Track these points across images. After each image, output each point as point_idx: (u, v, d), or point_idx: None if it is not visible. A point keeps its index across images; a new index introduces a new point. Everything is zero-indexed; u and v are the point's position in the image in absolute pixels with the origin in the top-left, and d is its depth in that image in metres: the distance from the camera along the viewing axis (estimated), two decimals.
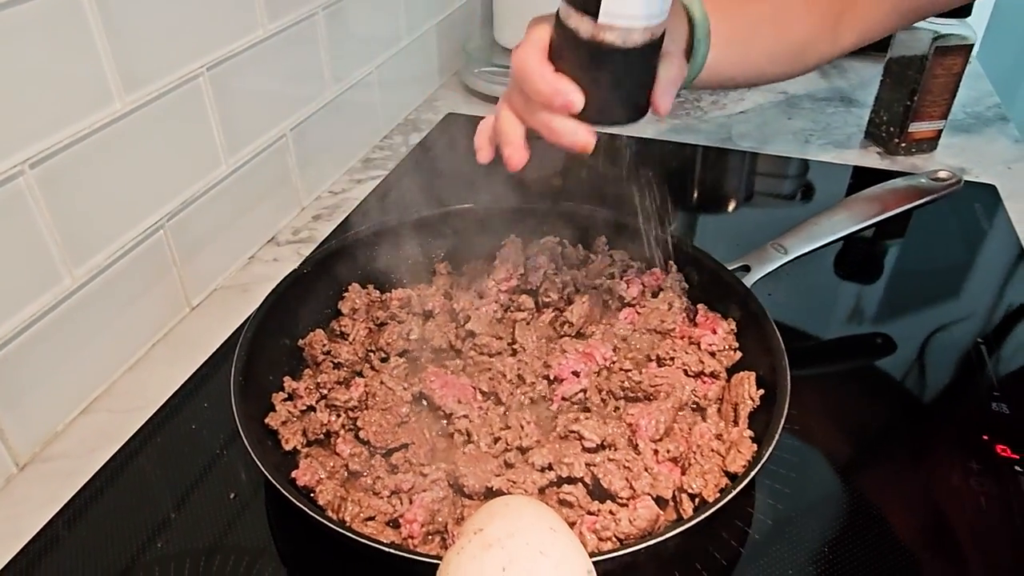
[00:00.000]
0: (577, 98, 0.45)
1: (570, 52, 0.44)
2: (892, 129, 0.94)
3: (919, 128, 0.93)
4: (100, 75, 0.55)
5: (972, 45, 0.87)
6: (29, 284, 0.52)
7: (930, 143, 0.95)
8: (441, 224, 0.69)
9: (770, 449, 0.46)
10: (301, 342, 0.60)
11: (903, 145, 0.94)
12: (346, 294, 0.64)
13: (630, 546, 0.42)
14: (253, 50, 0.70)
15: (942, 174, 0.68)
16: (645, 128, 1.02)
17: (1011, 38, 1.55)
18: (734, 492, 0.44)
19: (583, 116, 0.46)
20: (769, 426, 0.49)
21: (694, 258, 0.65)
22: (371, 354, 0.59)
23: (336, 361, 0.58)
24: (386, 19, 0.94)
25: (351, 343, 0.60)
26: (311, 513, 0.42)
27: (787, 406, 0.49)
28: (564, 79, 0.45)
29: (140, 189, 0.61)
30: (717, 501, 0.44)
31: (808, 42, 0.61)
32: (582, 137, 0.47)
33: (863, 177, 0.90)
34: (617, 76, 0.45)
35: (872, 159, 0.95)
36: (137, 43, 0.57)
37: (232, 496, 0.52)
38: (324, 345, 0.59)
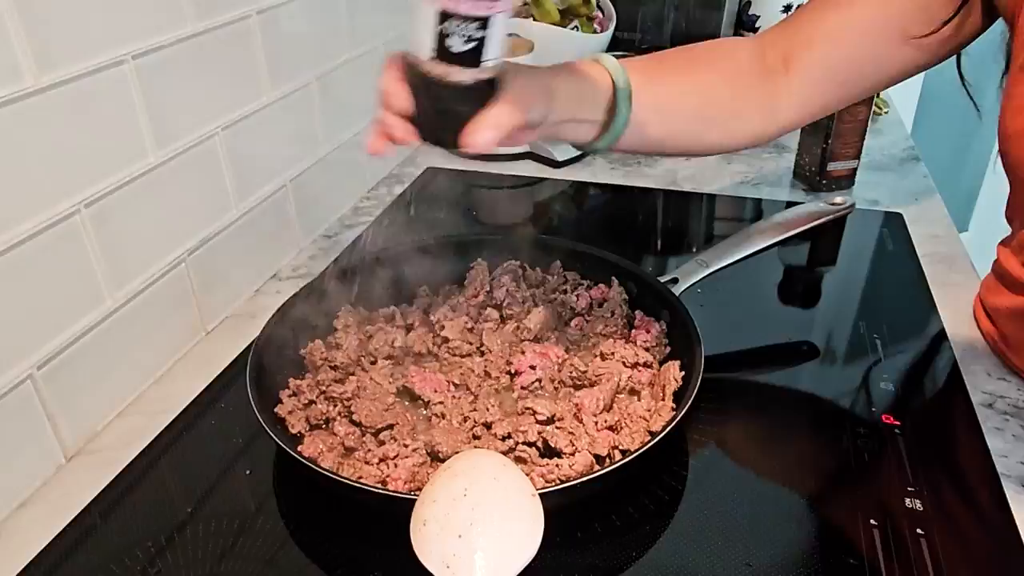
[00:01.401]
0: (394, 99, 0.52)
1: (409, 73, 0.52)
2: (813, 169, 1.08)
3: (836, 167, 1.07)
4: (139, 133, 0.67)
5: (873, 96, 1.02)
6: (79, 304, 0.64)
7: (847, 180, 1.09)
8: (420, 254, 0.82)
9: (684, 409, 0.58)
10: (302, 351, 0.71)
11: (824, 182, 1.08)
12: (340, 314, 0.76)
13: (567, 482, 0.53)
14: (259, 114, 0.84)
15: (837, 199, 0.81)
16: (599, 175, 1.16)
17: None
18: (651, 443, 0.55)
19: (427, 131, 0.53)
20: (685, 393, 0.60)
21: (632, 273, 0.77)
22: (362, 358, 0.71)
23: (333, 364, 0.69)
24: (372, 88, 1.08)
25: (345, 351, 0.71)
26: (319, 469, 0.54)
27: (700, 374, 0.61)
28: (394, 82, 0.52)
29: (167, 228, 0.73)
30: (637, 451, 0.55)
31: (737, 112, 0.66)
32: (399, 131, 0.53)
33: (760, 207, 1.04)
34: (431, 102, 0.51)
35: (799, 195, 1.08)
36: (167, 107, 0.70)
37: (248, 472, 0.63)
38: (322, 353, 0.70)
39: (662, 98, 0.63)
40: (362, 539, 0.56)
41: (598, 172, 1.17)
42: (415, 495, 0.50)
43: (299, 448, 0.60)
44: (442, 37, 0.46)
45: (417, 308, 0.77)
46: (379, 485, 0.54)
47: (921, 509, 0.57)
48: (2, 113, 0.55)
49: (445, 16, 0.45)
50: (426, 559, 0.45)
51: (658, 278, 0.75)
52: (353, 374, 0.69)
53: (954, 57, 0.72)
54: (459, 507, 0.46)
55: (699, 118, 0.66)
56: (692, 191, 1.10)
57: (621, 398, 0.66)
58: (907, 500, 0.58)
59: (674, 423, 0.57)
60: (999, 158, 0.68)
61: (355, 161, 1.07)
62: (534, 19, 1.26)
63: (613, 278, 0.78)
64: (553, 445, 0.58)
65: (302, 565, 0.55)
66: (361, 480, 0.56)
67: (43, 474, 0.63)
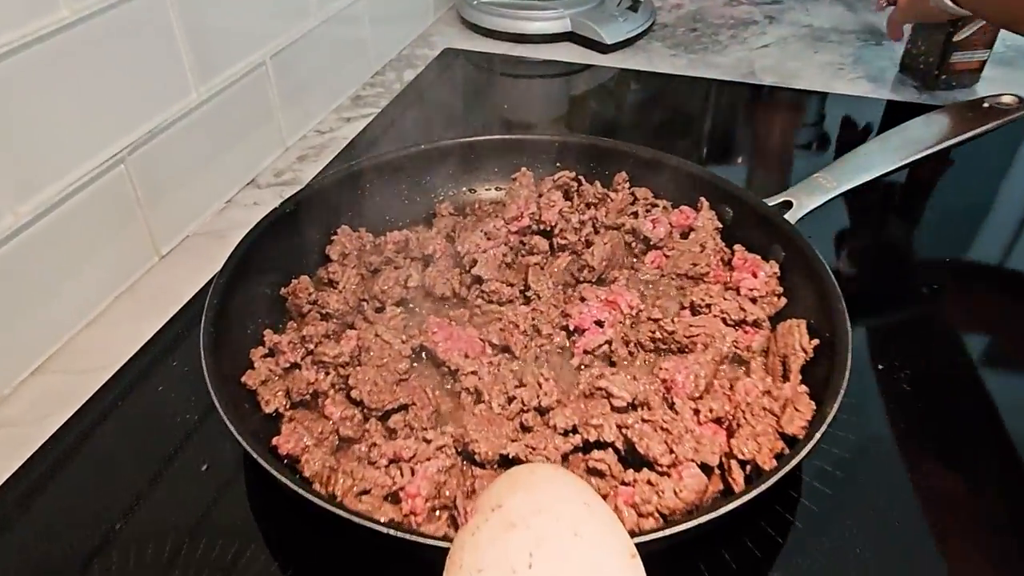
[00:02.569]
0: None
1: None
2: (931, 60, 0.86)
3: (962, 59, 0.85)
4: None
5: None
6: None
7: (972, 75, 0.87)
8: (443, 159, 0.62)
9: (835, 407, 0.39)
10: (284, 291, 0.52)
11: (943, 78, 0.86)
12: (335, 238, 0.56)
13: (676, 522, 0.35)
14: None
15: (1005, 99, 0.60)
16: (656, 62, 0.94)
17: None
18: (797, 459, 0.37)
19: None
20: (830, 381, 0.42)
21: (729, 194, 0.57)
22: (364, 303, 0.52)
23: (324, 312, 0.51)
24: None
25: (341, 291, 0.52)
26: (295, 488, 0.35)
27: (850, 356, 0.42)
28: None
29: (94, 115, 0.52)
30: (776, 470, 0.37)
31: None
32: None
33: (899, 113, 0.82)
34: None
35: (909, 93, 0.86)
36: None
37: (204, 467, 0.45)
38: (310, 293, 0.51)
39: None
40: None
41: (655, 59, 0.95)
42: (443, 542, 0.32)
43: (275, 441, 0.42)
44: None
45: (438, 233, 0.58)
46: (390, 523, 0.36)
47: None
48: None
49: None
50: None
51: (764, 201, 0.56)
52: (352, 326, 0.50)
53: None
54: (507, 549, 0.29)
55: None
56: (777, 85, 0.88)
57: (723, 370, 0.48)
58: None
59: (824, 427, 0.39)
60: None
61: (356, 38, 0.85)
62: None
63: (702, 199, 0.58)
64: (643, 452, 0.40)
65: None
66: (363, 500, 0.38)
67: None
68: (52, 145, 0.50)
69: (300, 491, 0.35)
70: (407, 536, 0.34)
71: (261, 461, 0.37)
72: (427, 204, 0.61)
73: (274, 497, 0.43)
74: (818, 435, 0.38)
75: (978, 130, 0.58)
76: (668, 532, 0.34)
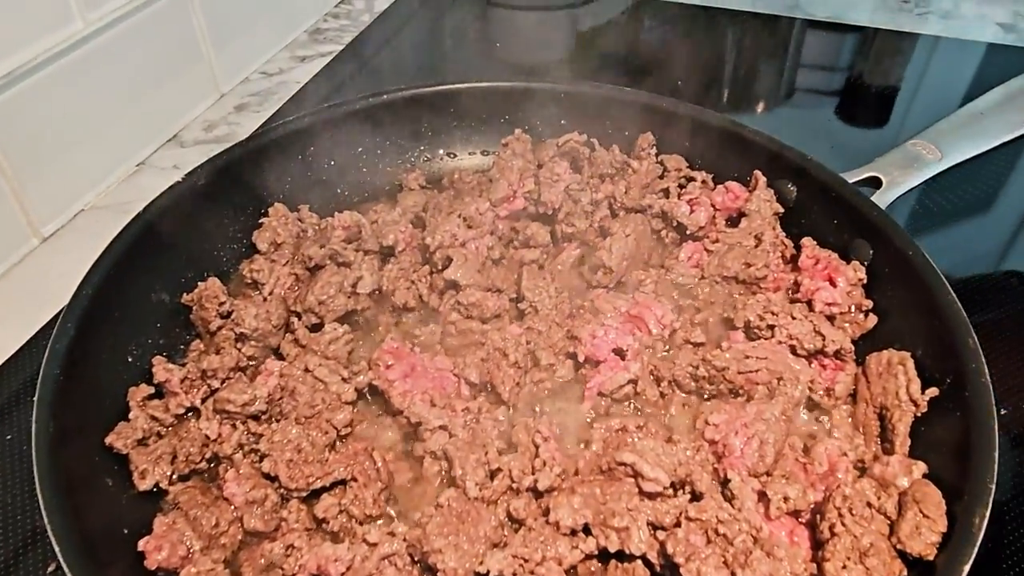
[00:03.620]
0: None
1: None
2: None
3: None
4: None
5: None
6: None
7: None
8: (412, 111, 0.47)
9: (986, 515, 0.26)
10: (187, 298, 0.38)
11: None
12: (265, 220, 0.42)
13: None
14: None
15: None
16: None
17: None
18: None
19: None
20: (970, 462, 0.28)
21: (795, 165, 0.42)
22: (295, 319, 0.38)
23: (239, 331, 0.36)
24: None
25: (266, 299, 0.38)
26: None
27: (996, 421, 0.28)
28: None
29: None
30: None
31: None
32: None
33: (1000, 59, 0.66)
34: None
35: (988, 30, 0.71)
36: None
37: (51, 570, 0.31)
38: (221, 303, 0.37)
39: None
40: None
41: None
42: None
43: (141, 546, 0.28)
44: None
45: (403, 215, 0.43)
46: None
47: None
48: None
49: None
50: None
51: (843, 176, 0.41)
52: (277, 351, 0.36)
53: None
54: None
55: None
56: (830, 20, 0.72)
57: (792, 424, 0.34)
58: None
59: (975, 551, 0.25)
60: None
61: None
62: None
63: (757, 173, 0.43)
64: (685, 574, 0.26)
65: None
66: None
67: None
68: None
69: None
70: None
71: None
72: (391, 173, 0.47)
73: None
74: (967, 566, 0.24)
75: None
76: None
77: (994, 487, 0.26)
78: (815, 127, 0.61)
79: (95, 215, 0.49)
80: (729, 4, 0.75)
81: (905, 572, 0.27)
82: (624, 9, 0.76)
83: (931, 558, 0.26)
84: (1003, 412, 0.38)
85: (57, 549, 0.25)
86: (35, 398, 0.29)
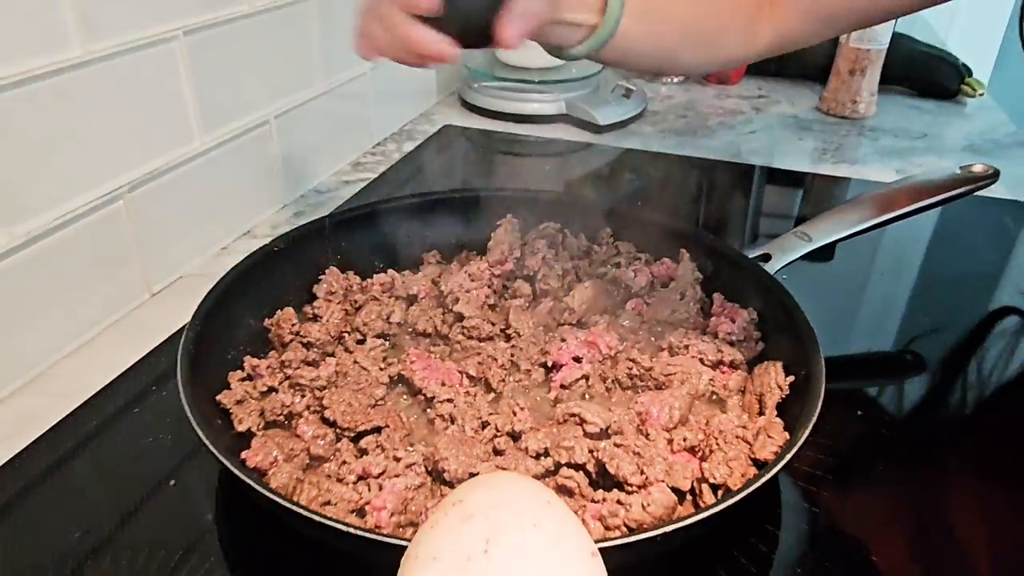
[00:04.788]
0: (426, 2, 0.41)
1: None
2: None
3: None
4: (58, 14, 0.50)
5: None
6: None
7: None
8: (432, 210, 0.64)
9: (806, 433, 0.39)
10: (268, 322, 0.53)
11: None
12: (323, 277, 0.58)
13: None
14: (236, 24, 0.66)
15: (976, 168, 0.63)
16: (650, 143, 0.97)
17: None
18: (766, 477, 0.37)
19: (439, 26, 0.42)
20: (804, 411, 0.41)
21: (709, 247, 0.59)
22: (345, 336, 0.53)
23: (305, 341, 0.51)
24: None
25: (324, 324, 0.53)
26: (254, 485, 0.35)
27: (823, 388, 0.42)
28: None
29: (97, 150, 0.55)
30: (745, 487, 0.36)
31: (721, 30, 0.58)
32: (440, 46, 0.42)
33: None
34: None
35: (888, 175, 0.89)
36: None
37: (172, 483, 0.44)
38: (293, 325, 0.52)
39: (651, 5, 0.54)
40: None
41: (649, 140, 0.99)
42: (405, 541, 0.32)
43: (243, 455, 0.41)
44: None
45: (424, 277, 0.59)
46: (346, 523, 0.35)
47: None
48: None
49: None
50: None
51: (744, 254, 0.57)
52: (332, 355, 0.51)
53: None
54: (475, 571, 0.28)
55: (683, 34, 0.58)
56: (764, 165, 0.92)
57: (700, 407, 0.48)
58: None
59: (795, 449, 0.38)
60: None
61: (360, 112, 0.89)
62: None
63: (683, 251, 0.59)
64: (613, 472, 0.39)
65: None
66: (327, 510, 0.38)
67: None
68: (53, 173, 0.52)
69: (260, 489, 0.35)
70: (367, 535, 0.33)
71: (224, 460, 0.36)
72: (415, 253, 0.63)
73: (237, 511, 0.42)
74: (788, 456, 0.38)
75: (949, 193, 0.60)
76: (629, 540, 0.33)
77: (812, 422, 0.40)
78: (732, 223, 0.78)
79: (191, 280, 0.65)
80: (689, 153, 0.95)
81: (755, 470, 0.40)
82: (604, 153, 0.96)
83: (770, 460, 0.39)
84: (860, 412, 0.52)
85: (199, 431, 0.38)
86: (177, 368, 0.43)
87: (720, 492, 0.39)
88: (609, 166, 0.93)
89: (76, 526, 0.41)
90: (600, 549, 0.31)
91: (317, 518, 0.34)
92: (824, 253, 0.59)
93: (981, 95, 1.14)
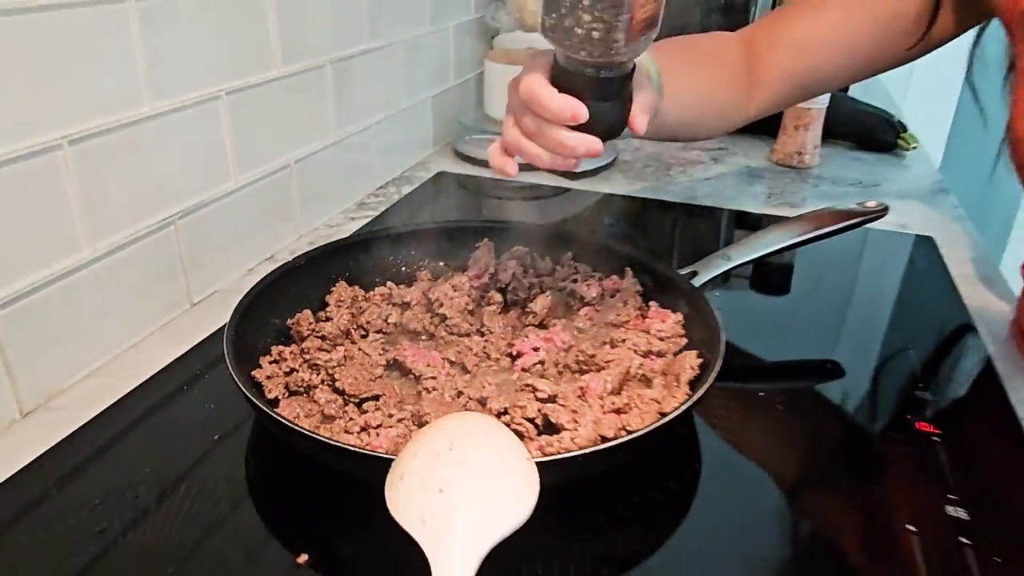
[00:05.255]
0: (582, 111, 0.50)
1: (572, 78, 0.51)
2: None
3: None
4: (135, 78, 0.64)
5: None
6: (52, 247, 0.59)
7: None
8: (424, 237, 0.77)
9: (703, 390, 0.52)
10: (290, 321, 0.66)
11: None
12: (333, 289, 0.71)
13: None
14: (267, 86, 0.80)
15: (870, 203, 0.76)
16: (617, 188, 1.12)
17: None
18: (662, 422, 0.49)
19: (583, 128, 0.52)
20: (703, 377, 0.54)
21: (648, 266, 0.72)
22: (352, 331, 0.66)
23: (320, 335, 0.64)
24: (386, 85, 1.06)
25: (335, 322, 0.66)
26: (287, 422, 0.48)
27: (721, 357, 0.55)
28: (569, 97, 0.51)
29: (156, 185, 0.69)
30: (647, 427, 0.49)
31: (728, 101, 0.74)
32: (592, 143, 0.52)
33: None
34: (608, 95, 0.52)
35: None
36: (171, 61, 0.67)
37: (216, 437, 0.57)
38: (311, 323, 0.65)
39: (674, 89, 0.67)
40: (335, 512, 0.50)
41: (616, 186, 1.13)
42: (393, 456, 0.44)
43: (274, 411, 0.54)
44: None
45: (416, 289, 0.72)
46: (353, 445, 0.48)
47: (966, 519, 0.51)
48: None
49: None
50: (401, 516, 0.39)
51: (677, 271, 0.70)
52: (341, 344, 0.64)
53: (966, 66, 0.74)
54: (442, 462, 0.41)
55: (697, 111, 0.72)
56: (713, 205, 1.06)
57: (631, 385, 0.60)
58: (948, 508, 0.52)
59: (690, 403, 0.51)
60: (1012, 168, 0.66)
61: (366, 160, 1.04)
62: None
63: (627, 269, 0.72)
64: (554, 421, 0.52)
65: (263, 538, 0.49)
66: (334, 439, 0.51)
67: None
68: (126, 201, 0.65)
69: (287, 421, 0.48)
70: (364, 451, 0.46)
71: (259, 404, 0.49)
72: (410, 271, 0.76)
73: (260, 454, 0.55)
74: (685, 406, 0.51)
75: (844, 223, 0.73)
76: (558, 456, 0.46)
77: (708, 384, 0.53)
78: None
79: (224, 295, 0.78)
80: (650, 196, 1.09)
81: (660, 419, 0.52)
82: (578, 196, 1.10)
83: (669, 411, 0.52)
84: (761, 393, 0.65)
85: (240, 386, 0.51)
86: (224, 347, 0.56)
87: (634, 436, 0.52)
88: (582, 207, 1.07)
89: (148, 463, 0.54)
90: (537, 463, 0.44)
91: (330, 441, 0.46)
92: (782, 287, 0.75)
93: (915, 148, 1.29)
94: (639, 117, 0.54)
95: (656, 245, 0.97)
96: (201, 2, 0.69)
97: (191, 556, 0.47)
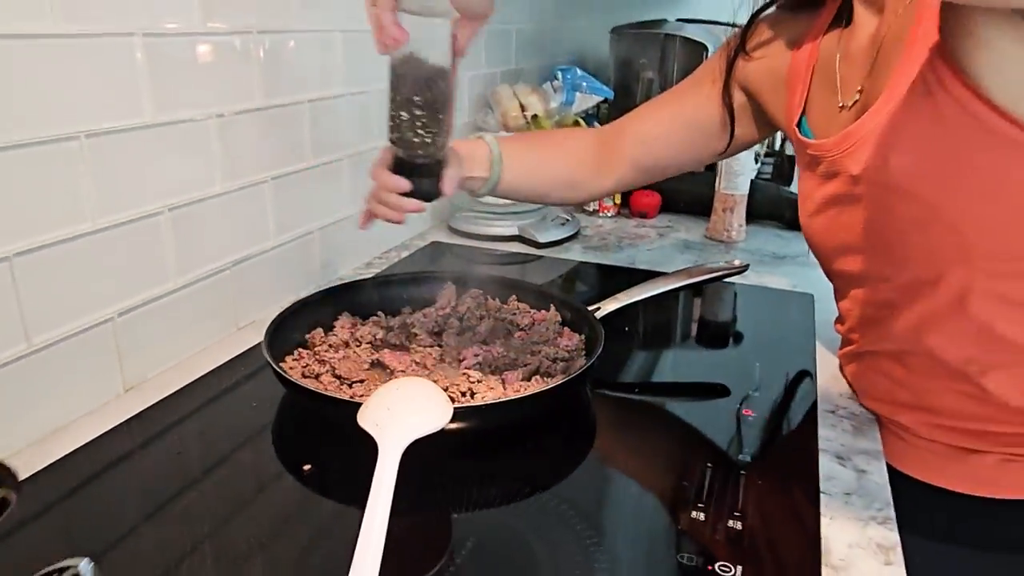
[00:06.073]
0: (405, 185, 0.79)
1: (403, 164, 0.80)
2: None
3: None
4: (78, 199, 0.95)
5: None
6: (151, 276, 0.89)
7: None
8: (408, 281, 1.06)
9: (580, 370, 0.79)
10: (307, 336, 0.94)
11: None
12: (339, 318, 0.99)
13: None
14: (303, 172, 1.11)
15: (736, 261, 1.04)
16: (575, 255, 1.40)
17: None
18: (547, 388, 0.76)
19: (410, 195, 0.82)
20: (585, 367, 0.81)
21: (567, 304, 1.00)
22: (350, 343, 0.93)
23: (327, 344, 0.92)
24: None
25: (338, 337, 0.94)
26: (298, 381, 0.76)
27: (596, 358, 0.82)
28: (396, 176, 0.79)
29: (222, 243, 0.99)
30: (536, 391, 0.76)
31: (576, 180, 1.01)
32: (414, 205, 0.81)
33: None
34: (425, 174, 0.81)
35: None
36: (117, 183, 0.98)
37: (253, 404, 0.84)
38: (322, 337, 0.93)
39: (527, 166, 0.97)
40: (326, 444, 0.77)
41: (574, 254, 1.42)
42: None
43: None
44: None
45: (399, 319, 1.00)
46: (342, 395, 0.75)
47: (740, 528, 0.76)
48: None
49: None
50: (363, 422, 0.65)
51: (586, 307, 0.98)
52: (341, 350, 0.91)
53: None
54: (391, 395, 0.68)
55: (550, 183, 1.01)
56: (645, 268, 1.34)
57: (538, 379, 0.87)
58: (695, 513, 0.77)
59: (576, 374, 0.78)
60: None
61: (376, 228, 1.34)
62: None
63: (552, 305, 1.00)
64: (476, 393, 0.79)
65: (284, 459, 0.76)
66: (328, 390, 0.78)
67: (104, 398, 0.85)
68: (207, 247, 0.95)
69: (296, 381, 0.75)
70: (344, 397, 0.73)
71: (283, 372, 0.77)
72: (396, 306, 1.05)
73: (281, 419, 0.82)
74: (566, 378, 0.77)
75: (709, 276, 1.01)
76: (464, 405, 0.72)
77: (583, 369, 0.80)
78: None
79: (260, 323, 1.06)
80: (597, 261, 1.37)
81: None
82: (541, 261, 1.39)
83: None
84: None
85: (271, 361, 0.79)
86: (263, 345, 0.84)
87: None
88: (543, 271, 1.36)
89: (206, 428, 0.81)
90: (456, 408, 0.70)
91: (326, 393, 0.74)
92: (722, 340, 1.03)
93: None
94: (447, 185, 0.82)
95: (586, 292, 1.25)
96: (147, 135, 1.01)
97: (235, 470, 0.74)
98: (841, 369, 0.96)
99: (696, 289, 1.23)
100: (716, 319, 1.16)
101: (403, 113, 0.75)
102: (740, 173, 1.46)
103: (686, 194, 1.64)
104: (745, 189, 1.48)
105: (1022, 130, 0.62)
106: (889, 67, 0.72)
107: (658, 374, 0.99)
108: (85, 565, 0.45)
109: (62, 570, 0.45)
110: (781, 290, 1.25)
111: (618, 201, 1.66)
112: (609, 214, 1.66)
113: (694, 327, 1.15)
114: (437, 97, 0.75)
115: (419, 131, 0.76)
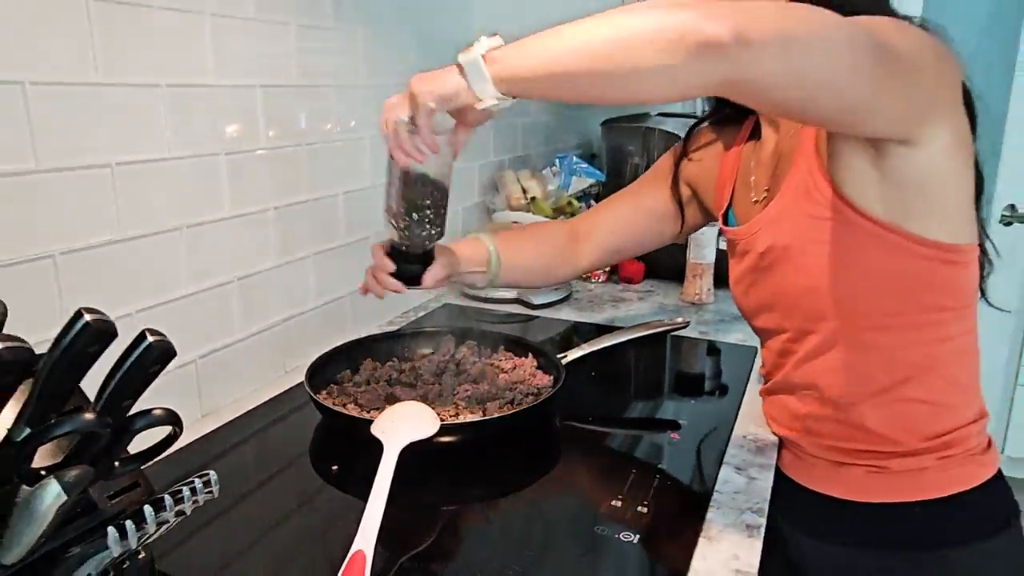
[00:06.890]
0: (392, 267, 1.02)
1: (395, 250, 1.06)
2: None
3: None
4: (179, 275, 1.25)
5: None
6: (221, 328, 1.18)
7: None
8: (418, 334, 1.34)
9: (548, 395, 1.05)
10: (337, 376, 1.22)
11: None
12: (362, 363, 1.27)
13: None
14: (338, 249, 1.41)
15: (678, 319, 1.30)
16: (565, 315, 1.67)
17: None
18: (512, 412, 1.02)
19: (397, 277, 1.08)
20: (547, 396, 1.08)
21: (541, 351, 1.26)
22: (370, 380, 1.21)
23: (353, 382, 1.20)
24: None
25: (362, 377, 1.21)
26: (330, 406, 1.03)
27: (554, 391, 1.08)
28: (387, 259, 1.03)
29: (276, 304, 1.28)
30: (505, 414, 1.02)
31: (555, 267, 1.25)
32: (395, 285, 1.04)
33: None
34: (411, 261, 1.06)
35: (693, 331, 1.56)
36: (205, 261, 1.28)
37: (288, 421, 1.12)
38: (348, 376, 1.21)
39: (515, 260, 1.20)
40: (349, 451, 1.04)
41: (565, 314, 1.69)
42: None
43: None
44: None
45: (409, 363, 1.28)
46: (357, 414, 1.03)
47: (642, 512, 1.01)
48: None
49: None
50: (374, 431, 0.92)
51: (557, 355, 1.24)
52: (363, 387, 1.19)
53: None
54: (394, 410, 0.95)
55: (534, 272, 1.25)
56: (622, 325, 1.60)
57: (510, 407, 1.13)
58: (614, 501, 1.02)
59: (536, 403, 1.04)
60: None
61: (395, 296, 1.63)
62: (532, 213, 1.85)
63: (530, 353, 1.27)
64: (463, 416, 1.06)
65: (308, 475, 1.03)
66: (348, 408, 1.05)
67: (188, 421, 1.13)
68: (270, 299, 1.25)
69: (324, 403, 1.03)
70: (364, 418, 1.01)
71: (319, 400, 1.05)
72: (409, 355, 1.32)
73: (317, 443, 1.09)
74: (534, 403, 1.04)
75: (653, 331, 1.27)
76: (447, 423, 0.99)
77: (543, 399, 1.06)
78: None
79: (302, 368, 1.35)
80: (582, 320, 1.64)
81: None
82: (535, 320, 1.66)
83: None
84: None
85: (310, 391, 1.06)
86: (304, 383, 1.13)
87: None
88: (536, 329, 1.63)
89: (261, 444, 1.09)
90: (443, 426, 0.97)
91: (346, 412, 1.01)
92: (676, 384, 1.28)
93: None
94: (427, 276, 1.04)
95: (565, 344, 1.51)
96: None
97: (283, 472, 1.01)
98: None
99: (660, 341, 1.49)
100: (680, 368, 1.41)
101: (398, 206, 1.03)
102: (706, 245, 1.72)
103: (666, 262, 1.90)
104: (711, 259, 1.74)
105: (872, 223, 0.88)
106: (784, 173, 1.00)
107: (616, 410, 1.24)
108: (213, 475, 0.70)
109: (201, 475, 0.68)
110: (733, 344, 1.50)
111: (608, 268, 1.93)
112: (600, 280, 1.93)
113: (658, 373, 1.40)
114: (434, 200, 1.03)
115: (420, 231, 1.02)
